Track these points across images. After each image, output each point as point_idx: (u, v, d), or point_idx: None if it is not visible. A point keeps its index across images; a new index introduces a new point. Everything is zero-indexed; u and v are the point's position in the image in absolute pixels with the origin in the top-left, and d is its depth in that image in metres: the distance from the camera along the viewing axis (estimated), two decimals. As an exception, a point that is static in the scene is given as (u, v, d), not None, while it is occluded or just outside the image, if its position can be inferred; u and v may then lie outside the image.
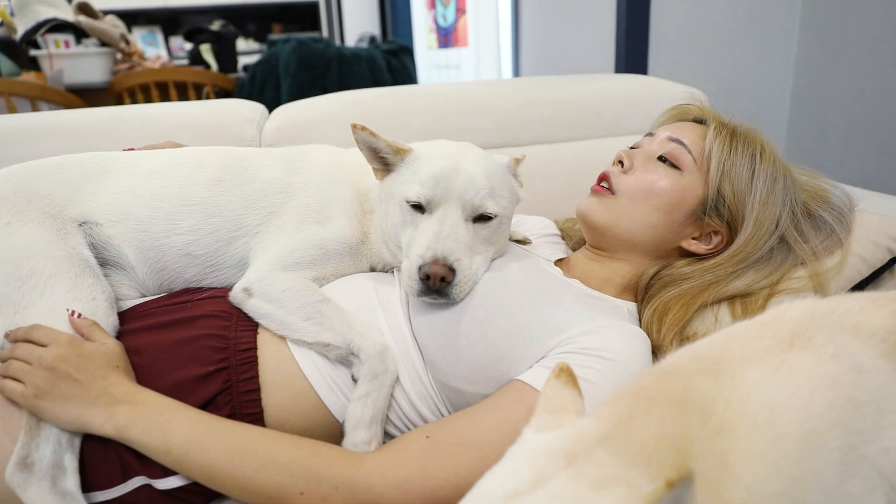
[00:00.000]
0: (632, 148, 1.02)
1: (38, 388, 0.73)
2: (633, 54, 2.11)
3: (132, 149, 1.08)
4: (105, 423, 0.74)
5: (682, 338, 0.87)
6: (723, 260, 0.91)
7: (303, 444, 0.75)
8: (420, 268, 0.81)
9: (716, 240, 0.94)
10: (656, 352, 0.84)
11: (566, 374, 0.56)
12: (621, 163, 0.99)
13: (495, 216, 0.87)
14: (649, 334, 0.86)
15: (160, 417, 0.74)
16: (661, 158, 0.95)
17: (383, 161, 0.92)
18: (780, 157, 0.95)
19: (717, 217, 0.93)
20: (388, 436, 0.86)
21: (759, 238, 0.90)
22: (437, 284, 0.81)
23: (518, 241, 1.05)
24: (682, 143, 0.95)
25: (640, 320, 0.92)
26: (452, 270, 0.81)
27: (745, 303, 0.88)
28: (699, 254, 0.95)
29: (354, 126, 0.88)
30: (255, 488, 0.72)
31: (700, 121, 1.01)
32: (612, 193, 0.96)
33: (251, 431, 0.76)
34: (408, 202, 0.86)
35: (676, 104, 1.10)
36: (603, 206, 0.96)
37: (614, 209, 0.95)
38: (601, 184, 0.98)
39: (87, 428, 0.74)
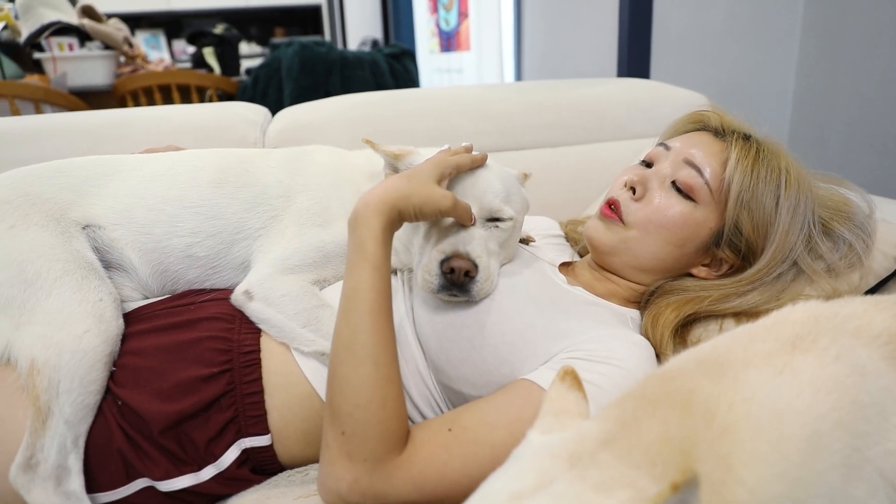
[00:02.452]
0: (643, 161, 0.97)
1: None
2: (635, 58, 2.12)
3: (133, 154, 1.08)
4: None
5: (678, 340, 0.85)
6: (729, 282, 0.88)
7: (388, 396, 0.70)
8: (443, 262, 0.80)
9: (725, 266, 0.91)
10: (657, 357, 0.84)
11: (571, 377, 0.56)
12: (633, 189, 0.92)
13: (510, 219, 0.87)
14: (646, 339, 0.85)
15: (353, 257, 0.75)
16: (675, 185, 0.90)
17: (392, 165, 0.94)
18: (803, 174, 0.89)
19: (729, 249, 0.89)
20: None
21: (773, 267, 0.86)
22: (461, 279, 0.80)
23: (521, 241, 1.05)
24: (698, 170, 0.88)
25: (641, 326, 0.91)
26: (476, 266, 0.80)
27: (750, 319, 0.85)
28: (708, 279, 0.92)
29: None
30: (331, 379, 0.72)
31: (718, 132, 0.94)
32: (622, 222, 0.91)
33: (378, 342, 0.72)
34: None
35: (695, 111, 1.02)
36: (611, 233, 0.92)
37: (623, 239, 0.91)
38: (610, 207, 0.93)
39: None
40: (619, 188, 0.95)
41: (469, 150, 0.89)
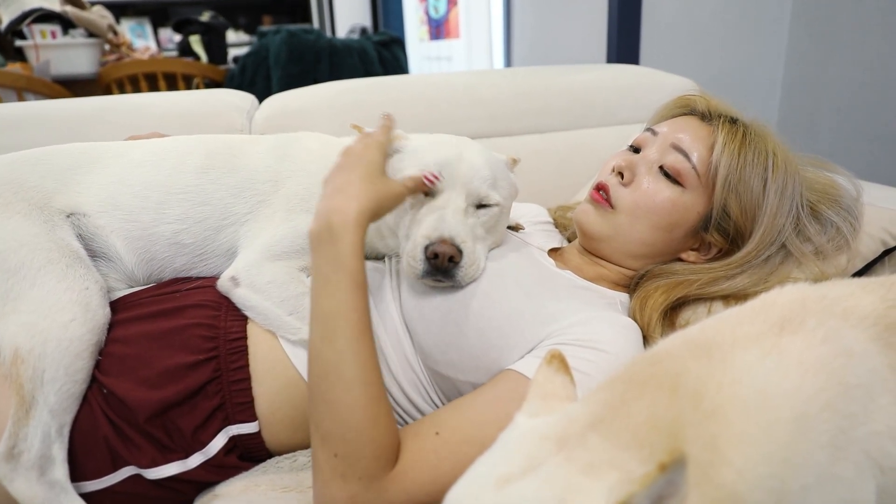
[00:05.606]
0: (631, 147, 0.97)
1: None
2: (624, 45, 2.11)
3: None
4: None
5: (666, 323, 0.86)
6: (718, 266, 0.89)
7: (380, 414, 0.69)
8: (427, 247, 0.80)
9: (714, 250, 0.92)
10: (645, 339, 0.84)
11: (558, 361, 0.56)
12: (621, 174, 0.92)
13: (497, 205, 0.87)
14: (634, 321, 0.85)
15: (332, 275, 0.71)
16: (663, 170, 0.89)
17: None
18: (790, 157, 0.89)
19: (718, 233, 0.89)
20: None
21: (763, 248, 0.87)
22: (445, 264, 0.79)
23: (510, 228, 1.05)
24: (685, 155, 0.88)
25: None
26: (460, 251, 0.80)
27: (739, 301, 0.86)
28: (697, 263, 0.92)
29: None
30: (315, 398, 0.70)
31: (705, 116, 0.94)
32: (611, 207, 0.91)
33: (366, 363, 0.70)
34: None
35: (681, 96, 1.02)
36: (600, 217, 0.92)
37: (612, 224, 0.91)
38: (600, 192, 0.93)
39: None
40: (608, 173, 0.95)
41: (390, 119, 0.88)
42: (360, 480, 0.67)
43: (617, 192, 0.92)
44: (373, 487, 0.67)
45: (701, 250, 0.93)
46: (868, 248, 0.91)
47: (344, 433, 0.68)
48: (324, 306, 0.72)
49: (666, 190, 0.89)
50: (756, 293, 0.84)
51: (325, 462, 0.68)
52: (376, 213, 0.76)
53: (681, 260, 0.94)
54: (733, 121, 0.91)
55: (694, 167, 0.88)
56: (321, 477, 0.68)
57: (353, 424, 0.68)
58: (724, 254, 0.91)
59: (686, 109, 0.99)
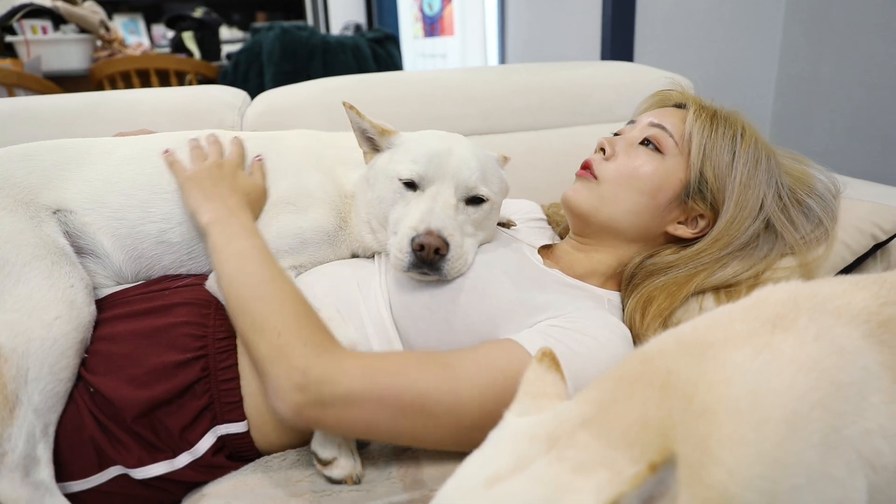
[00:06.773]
0: (615, 135, 1.01)
1: (194, 172, 0.90)
2: (618, 42, 2.11)
3: None
4: (206, 215, 0.85)
5: (666, 327, 0.86)
6: (706, 245, 0.90)
7: (309, 314, 0.75)
8: (413, 239, 0.79)
9: (702, 223, 0.93)
10: (639, 341, 0.84)
11: (549, 359, 0.56)
12: (603, 150, 0.97)
13: (486, 200, 0.86)
14: (632, 324, 0.85)
15: (235, 233, 0.82)
16: (644, 142, 0.94)
17: (371, 143, 0.93)
18: (764, 140, 0.95)
19: (700, 200, 0.92)
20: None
21: (743, 220, 0.89)
22: (431, 256, 0.79)
23: (502, 225, 1.04)
24: (663, 128, 0.94)
25: (622, 310, 0.91)
26: (446, 244, 0.79)
27: (729, 292, 0.87)
28: (686, 238, 0.94)
29: (345, 104, 0.90)
30: (246, 306, 0.76)
31: (681, 105, 1.00)
32: (595, 178, 0.95)
33: (281, 282, 0.78)
34: (400, 179, 0.85)
35: (658, 90, 1.09)
36: (586, 190, 0.95)
37: (597, 194, 0.94)
38: (585, 169, 0.97)
39: (194, 213, 0.87)
40: (592, 155, 1.00)
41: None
42: (307, 346, 0.70)
43: (600, 165, 0.96)
44: (324, 355, 0.70)
45: (689, 224, 0.95)
46: (858, 242, 0.92)
47: (281, 308, 0.73)
48: (253, 243, 0.82)
49: (646, 158, 0.93)
50: (748, 283, 0.85)
51: (271, 348, 0.71)
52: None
53: (668, 236, 0.95)
54: (704, 105, 0.97)
55: (671, 136, 0.93)
56: (270, 362, 0.71)
57: (289, 300, 0.74)
58: (712, 227, 0.93)
59: (662, 103, 1.05)
